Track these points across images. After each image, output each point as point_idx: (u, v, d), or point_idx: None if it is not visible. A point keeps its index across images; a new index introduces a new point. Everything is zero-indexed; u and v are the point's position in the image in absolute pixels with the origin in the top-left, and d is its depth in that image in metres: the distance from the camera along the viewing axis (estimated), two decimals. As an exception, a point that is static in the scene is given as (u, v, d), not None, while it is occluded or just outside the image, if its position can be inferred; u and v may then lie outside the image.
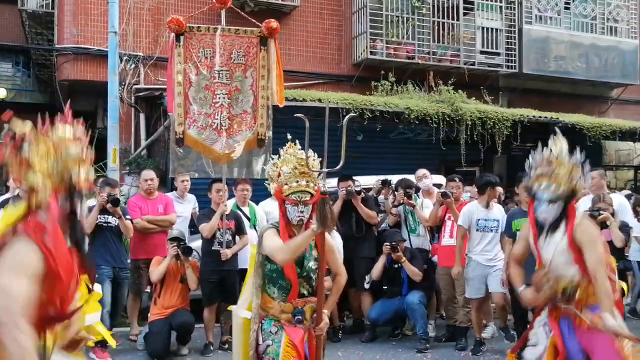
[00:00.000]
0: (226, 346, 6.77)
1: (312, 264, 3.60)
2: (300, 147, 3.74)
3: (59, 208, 2.50)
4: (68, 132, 2.58)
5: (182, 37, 6.41)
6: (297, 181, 3.57)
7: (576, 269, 3.69)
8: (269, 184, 3.77)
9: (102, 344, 6.48)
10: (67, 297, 2.50)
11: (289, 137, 3.80)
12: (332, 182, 8.48)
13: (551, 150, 3.81)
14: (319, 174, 3.65)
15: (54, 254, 2.38)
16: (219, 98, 6.58)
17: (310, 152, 3.68)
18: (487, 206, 6.73)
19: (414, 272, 6.95)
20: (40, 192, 2.42)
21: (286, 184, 3.58)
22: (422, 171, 7.89)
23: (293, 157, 3.65)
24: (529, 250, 4.05)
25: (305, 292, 3.60)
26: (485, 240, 6.68)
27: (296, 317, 3.54)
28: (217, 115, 6.59)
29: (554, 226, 3.78)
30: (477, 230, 6.69)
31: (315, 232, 3.34)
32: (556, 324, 3.75)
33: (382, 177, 8.15)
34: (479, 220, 6.69)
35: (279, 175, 3.62)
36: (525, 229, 4.07)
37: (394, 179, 7.99)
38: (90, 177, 2.65)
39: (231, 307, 3.88)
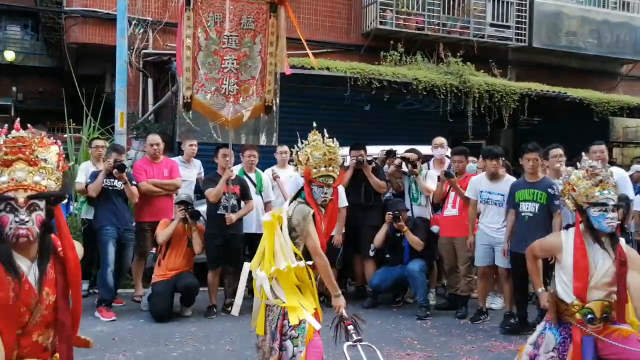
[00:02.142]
0: (229, 309, 6.85)
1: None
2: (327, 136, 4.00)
3: None
4: None
5: (192, 1, 6.38)
6: (325, 166, 3.89)
7: (611, 290, 3.58)
8: (295, 166, 4.06)
9: (107, 303, 6.63)
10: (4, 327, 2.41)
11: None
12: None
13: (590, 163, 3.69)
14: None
15: None
16: (228, 63, 6.55)
17: (336, 142, 3.99)
18: (492, 178, 6.64)
19: (415, 241, 7.01)
20: None
21: (315, 168, 3.88)
22: (440, 140, 7.84)
23: (323, 145, 3.93)
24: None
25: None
26: (490, 212, 6.62)
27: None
28: (226, 80, 6.57)
29: (613, 238, 3.60)
30: (481, 202, 6.70)
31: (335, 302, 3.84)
32: (579, 347, 3.56)
33: (387, 147, 8.17)
34: (482, 192, 6.67)
35: (308, 159, 3.90)
36: (553, 241, 3.85)
37: (400, 149, 8.01)
38: (19, 178, 2.45)
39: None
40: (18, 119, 2.60)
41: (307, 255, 3.78)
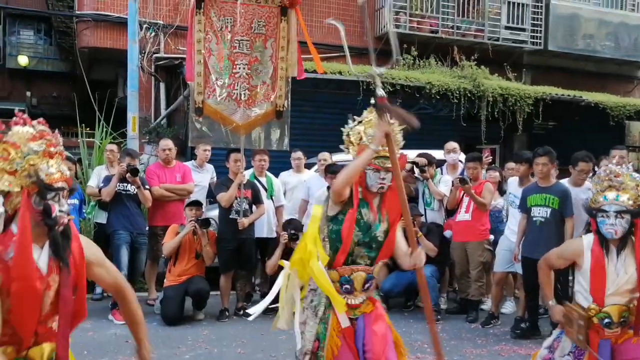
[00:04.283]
0: (241, 312, 6.88)
1: (379, 235, 3.33)
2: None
3: (32, 210, 2.43)
4: (26, 130, 2.46)
5: (202, 4, 6.40)
6: (382, 146, 3.23)
7: (634, 296, 3.51)
8: (346, 148, 3.46)
9: (120, 306, 6.65)
10: (28, 316, 2.46)
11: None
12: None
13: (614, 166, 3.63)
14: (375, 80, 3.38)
15: (17, 266, 2.38)
16: (239, 68, 6.57)
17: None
18: (520, 182, 6.65)
19: (429, 247, 6.95)
20: (13, 195, 2.40)
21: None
22: (452, 144, 7.85)
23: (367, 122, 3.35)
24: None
25: (361, 262, 3.33)
26: (513, 215, 6.63)
27: (344, 287, 3.30)
28: (237, 85, 6.59)
29: (622, 244, 3.54)
30: (509, 204, 6.75)
31: (375, 149, 3.17)
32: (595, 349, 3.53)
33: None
34: (510, 194, 6.75)
35: (362, 138, 3.34)
36: (575, 246, 3.75)
37: (412, 154, 7.96)
38: (64, 171, 2.55)
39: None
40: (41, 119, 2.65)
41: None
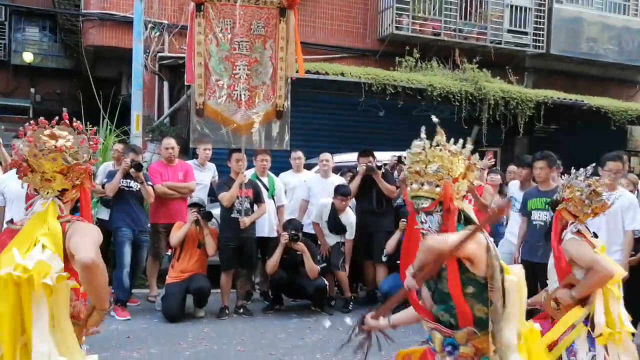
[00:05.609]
0: (241, 310, 6.94)
1: (442, 286, 2.72)
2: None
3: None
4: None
5: (202, 7, 6.46)
6: (412, 183, 2.74)
7: None
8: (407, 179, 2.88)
9: (122, 302, 6.71)
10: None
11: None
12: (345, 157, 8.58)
13: None
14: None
15: None
16: (239, 69, 6.64)
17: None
18: (523, 186, 6.73)
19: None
20: (74, 190, 2.67)
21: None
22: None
23: (411, 152, 2.79)
24: None
25: (445, 321, 2.73)
26: (514, 218, 6.68)
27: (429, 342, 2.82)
28: (237, 86, 6.65)
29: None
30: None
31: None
32: None
33: (398, 153, 8.17)
34: (511, 197, 6.80)
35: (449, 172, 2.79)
36: None
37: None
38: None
39: None
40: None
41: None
